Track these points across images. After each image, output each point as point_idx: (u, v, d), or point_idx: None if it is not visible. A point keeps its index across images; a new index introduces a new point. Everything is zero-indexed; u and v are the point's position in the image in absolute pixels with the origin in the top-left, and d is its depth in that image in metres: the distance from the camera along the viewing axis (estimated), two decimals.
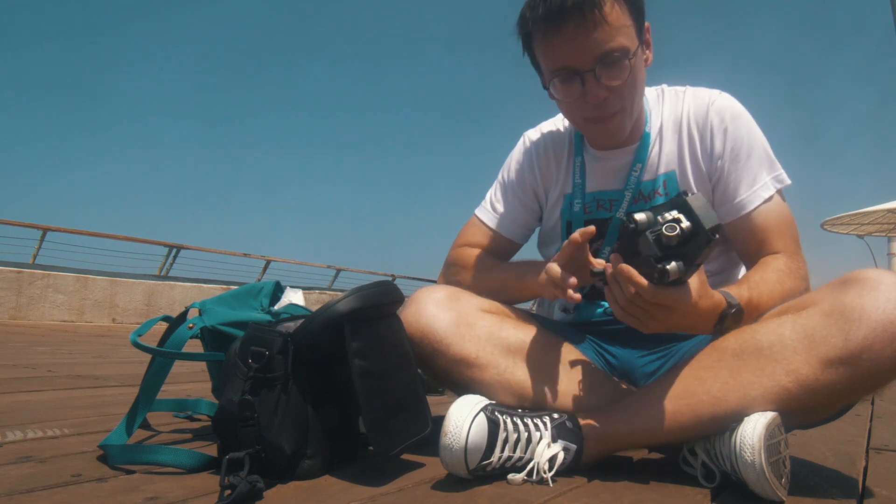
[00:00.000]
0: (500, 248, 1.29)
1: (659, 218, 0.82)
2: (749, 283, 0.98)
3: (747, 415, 0.85)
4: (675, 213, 0.81)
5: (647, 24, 1.08)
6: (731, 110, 1.12)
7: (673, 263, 0.81)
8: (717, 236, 0.80)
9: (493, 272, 1.22)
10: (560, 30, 1.00)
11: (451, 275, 1.27)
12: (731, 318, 0.92)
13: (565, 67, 1.03)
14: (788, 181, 1.10)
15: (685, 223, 0.80)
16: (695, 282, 0.86)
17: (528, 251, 1.34)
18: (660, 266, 0.81)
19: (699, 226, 0.79)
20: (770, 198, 1.08)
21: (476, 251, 1.27)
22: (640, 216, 0.82)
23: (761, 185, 1.08)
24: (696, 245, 0.80)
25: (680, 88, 1.19)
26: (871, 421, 1.59)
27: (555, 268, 0.98)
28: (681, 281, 0.84)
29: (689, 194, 0.82)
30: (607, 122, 1.08)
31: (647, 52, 1.10)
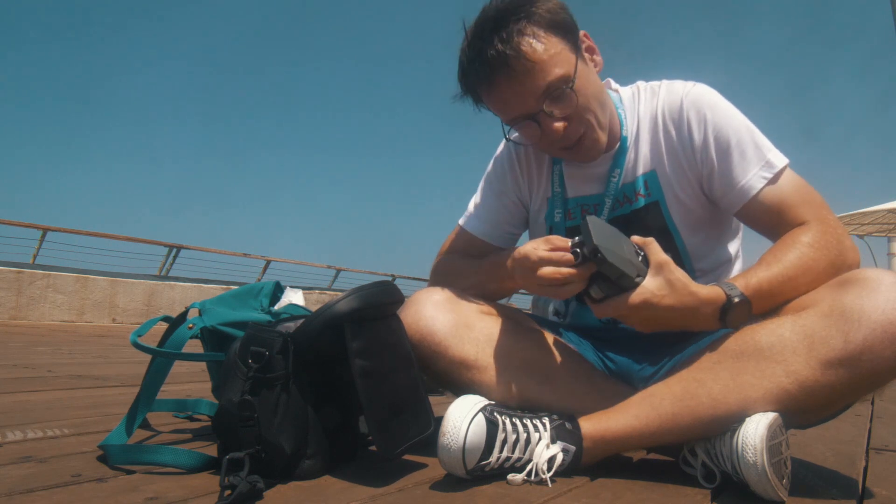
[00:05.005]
0: (485, 255, 1.25)
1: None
2: (759, 268, 0.94)
3: (747, 416, 0.85)
4: (579, 238, 0.92)
5: (582, 31, 1.08)
6: (707, 100, 1.07)
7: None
8: (599, 255, 0.88)
9: (473, 268, 1.20)
10: (494, 87, 1.03)
11: (438, 284, 1.23)
12: (736, 310, 0.90)
13: (516, 117, 1.06)
14: (786, 159, 1.03)
15: (585, 247, 0.90)
16: (654, 283, 0.89)
17: None
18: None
19: (590, 243, 0.88)
20: (777, 174, 1.02)
21: (461, 259, 1.26)
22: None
23: (761, 164, 1.03)
24: (601, 265, 0.89)
25: (655, 84, 1.15)
26: (871, 421, 1.59)
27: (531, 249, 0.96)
28: (615, 291, 0.91)
29: (587, 217, 0.91)
30: (578, 146, 1.08)
31: (594, 56, 1.10)
